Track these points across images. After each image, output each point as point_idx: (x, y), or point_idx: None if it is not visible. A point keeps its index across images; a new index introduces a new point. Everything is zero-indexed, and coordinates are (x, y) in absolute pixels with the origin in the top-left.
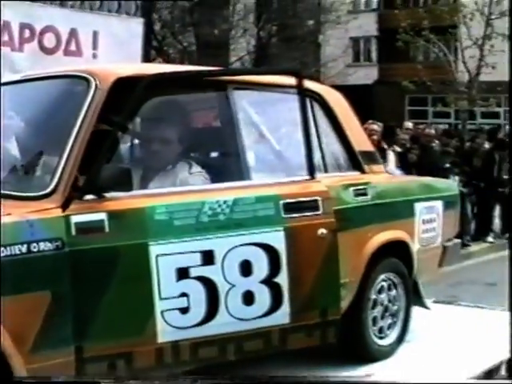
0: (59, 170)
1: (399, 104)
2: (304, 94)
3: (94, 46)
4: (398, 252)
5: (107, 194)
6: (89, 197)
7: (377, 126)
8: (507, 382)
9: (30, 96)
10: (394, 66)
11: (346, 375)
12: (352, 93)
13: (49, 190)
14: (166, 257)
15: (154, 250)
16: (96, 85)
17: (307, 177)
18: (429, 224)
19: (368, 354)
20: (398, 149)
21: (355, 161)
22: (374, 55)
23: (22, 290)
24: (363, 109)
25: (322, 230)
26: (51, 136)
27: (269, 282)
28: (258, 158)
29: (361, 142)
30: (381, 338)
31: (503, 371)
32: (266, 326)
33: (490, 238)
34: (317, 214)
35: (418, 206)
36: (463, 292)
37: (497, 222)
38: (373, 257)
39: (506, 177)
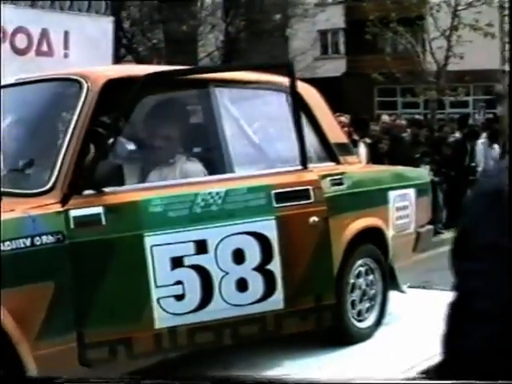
0: (57, 167)
1: (368, 95)
2: (293, 86)
3: (66, 46)
4: (373, 238)
5: (104, 189)
6: (87, 192)
7: (344, 118)
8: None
9: (25, 98)
10: (362, 58)
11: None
12: (321, 85)
13: (48, 186)
14: (160, 247)
15: (149, 240)
16: (88, 86)
17: (299, 167)
18: (402, 211)
19: (347, 337)
20: (369, 140)
21: (331, 152)
22: (341, 47)
23: (28, 281)
24: (333, 101)
25: (314, 218)
26: (48, 136)
27: (261, 269)
28: (246, 151)
29: (335, 134)
30: (359, 320)
31: None
32: (261, 311)
33: None
34: (309, 203)
35: (392, 194)
36: (437, 277)
37: None
38: (350, 243)
39: (473, 164)
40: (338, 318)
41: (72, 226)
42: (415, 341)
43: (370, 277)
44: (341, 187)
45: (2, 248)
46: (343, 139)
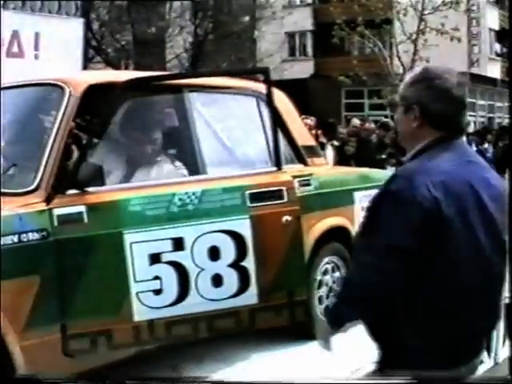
0: (41, 169)
1: (335, 97)
2: (270, 91)
3: (36, 47)
4: (340, 237)
5: (87, 189)
6: (70, 192)
7: (310, 121)
8: None
9: (9, 103)
10: (330, 60)
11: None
12: (288, 87)
13: (33, 186)
14: (139, 244)
15: (129, 237)
16: (70, 91)
17: (273, 168)
18: None
19: (314, 332)
20: (336, 143)
21: (299, 154)
22: (309, 50)
23: (16, 275)
24: (300, 103)
25: (287, 217)
26: (32, 139)
27: (236, 265)
28: (218, 153)
29: (303, 136)
30: None
31: None
32: (236, 306)
33: None
34: (282, 203)
35: (358, 195)
36: None
37: None
38: (317, 241)
39: None
40: (306, 313)
41: (56, 223)
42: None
43: (337, 274)
44: (308, 188)
45: None
46: (311, 141)
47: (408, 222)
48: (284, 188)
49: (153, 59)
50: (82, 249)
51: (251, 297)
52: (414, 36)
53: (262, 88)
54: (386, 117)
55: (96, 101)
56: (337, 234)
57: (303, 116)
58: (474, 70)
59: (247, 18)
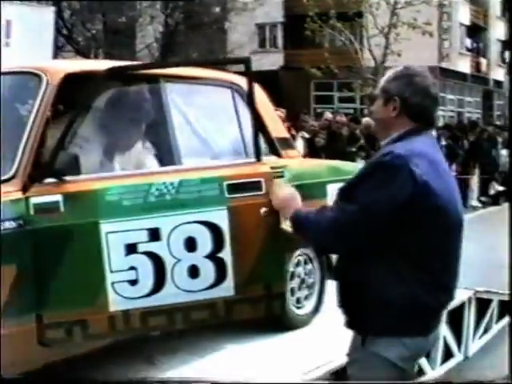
0: (18, 157)
1: (305, 90)
2: (251, 81)
3: (8, 35)
4: None
5: (64, 178)
6: (47, 180)
7: (280, 113)
8: None
9: None
10: (300, 52)
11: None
12: (258, 79)
13: (9, 175)
14: (115, 234)
15: (105, 227)
16: (47, 80)
17: (253, 159)
18: None
19: (287, 323)
20: (307, 135)
21: (272, 146)
22: (279, 41)
23: None
24: (269, 95)
25: (265, 209)
26: (9, 128)
27: (213, 256)
28: (194, 143)
29: (277, 129)
30: (298, 307)
31: None
32: (212, 297)
33: None
34: (260, 194)
35: (330, 188)
36: None
37: None
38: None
39: None
40: (282, 306)
41: (32, 212)
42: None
43: (309, 266)
44: (282, 180)
45: None
46: (285, 134)
47: (398, 193)
48: (262, 179)
49: (123, 49)
50: (57, 238)
51: (228, 289)
52: (386, 30)
53: (236, 79)
54: (355, 110)
55: (73, 90)
56: None
57: (274, 108)
58: (444, 65)
59: (218, 9)
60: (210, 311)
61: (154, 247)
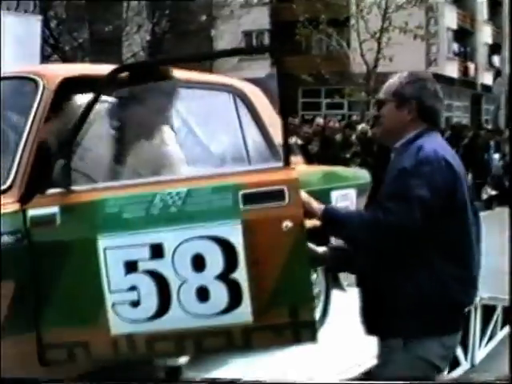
0: (14, 167)
1: (293, 96)
2: (281, 74)
3: None
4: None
5: (63, 188)
6: (47, 191)
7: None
8: None
9: None
10: (287, 59)
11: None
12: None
13: (6, 185)
14: (114, 250)
15: (102, 242)
16: (44, 85)
17: (279, 164)
18: None
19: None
20: (300, 141)
21: (276, 153)
22: None
23: None
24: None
25: (287, 223)
26: (5, 136)
27: (225, 277)
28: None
29: (280, 134)
30: None
31: None
32: (226, 323)
33: None
34: (281, 206)
35: (334, 194)
36: None
37: None
38: None
39: None
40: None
41: (29, 225)
42: (358, 340)
43: (313, 276)
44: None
45: None
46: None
47: (446, 183)
48: (285, 187)
49: (110, 57)
50: (54, 253)
51: (244, 314)
52: (377, 34)
53: (238, 84)
54: (343, 116)
55: (72, 95)
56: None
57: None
58: (432, 69)
59: (204, 17)
60: (226, 339)
61: (156, 265)
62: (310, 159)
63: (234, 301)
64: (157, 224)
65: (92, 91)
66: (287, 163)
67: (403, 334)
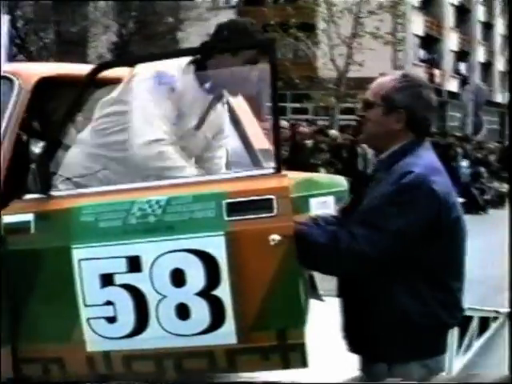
0: None
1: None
2: (273, 67)
3: None
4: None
5: (40, 194)
6: (23, 197)
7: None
8: None
9: None
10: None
11: None
12: None
13: None
14: (88, 261)
15: (77, 253)
16: (19, 84)
17: (269, 170)
18: None
19: None
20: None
21: (255, 158)
22: None
23: None
24: None
25: (275, 236)
26: None
27: (206, 294)
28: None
29: (259, 140)
30: None
31: None
32: (208, 344)
33: None
34: (269, 216)
35: (313, 202)
36: None
37: None
38: None
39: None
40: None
41: (3, 232)
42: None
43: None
44: None
45: None
46: (266, 145)
47: (426, 213)
48: (274, 197)
49: (75, 58)
50: (28, 263)
51: (228, 335)
52: (348, 39)
53: None
54: (307, 121)
55: (49, 94)
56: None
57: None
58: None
59: (172, 19)
60: (208, 360)
61: (133, 279)
62: None
63: (217, 320)
64: (134, 235)
65: (70, 91)
66: (278, 169)
67: (388, 359)
